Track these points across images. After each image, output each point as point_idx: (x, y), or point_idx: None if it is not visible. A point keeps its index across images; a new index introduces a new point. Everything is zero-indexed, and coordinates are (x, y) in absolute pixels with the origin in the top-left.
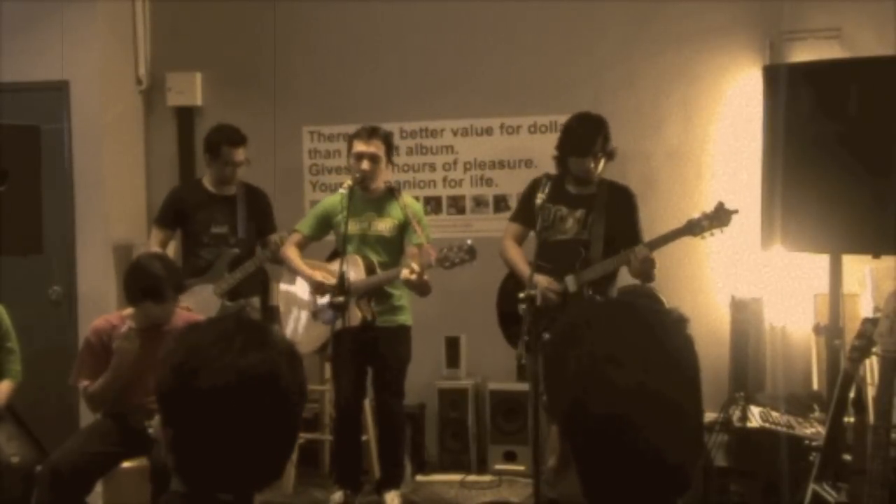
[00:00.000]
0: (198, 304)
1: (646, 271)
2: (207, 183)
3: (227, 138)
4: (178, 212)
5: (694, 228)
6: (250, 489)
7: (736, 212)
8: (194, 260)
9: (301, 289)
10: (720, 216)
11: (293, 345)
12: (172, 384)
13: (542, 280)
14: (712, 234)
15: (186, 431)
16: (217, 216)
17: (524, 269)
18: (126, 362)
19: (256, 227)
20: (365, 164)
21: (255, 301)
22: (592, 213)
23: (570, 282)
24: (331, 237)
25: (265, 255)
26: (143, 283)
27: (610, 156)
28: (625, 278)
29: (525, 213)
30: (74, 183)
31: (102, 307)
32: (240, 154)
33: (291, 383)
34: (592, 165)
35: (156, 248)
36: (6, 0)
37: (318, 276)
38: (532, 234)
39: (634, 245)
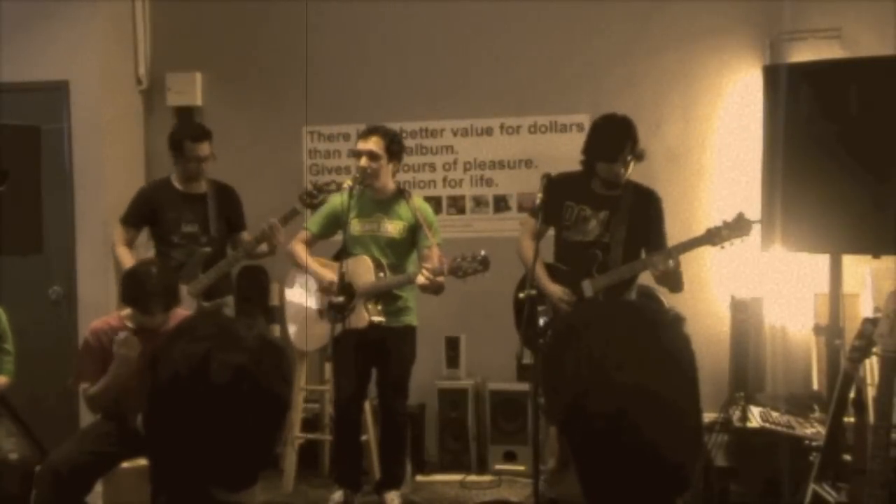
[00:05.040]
0: None
1: (672, 281)
2: (176, 181)
3: (188, 134)
4: (148, 212)
5: (714, 238)
6: (220, 488)
7: (757, 222)
8: (165, 260)
9: (302, 291)
10: (741, 226)
11: (270, 340)
12: (144, 379)
13: (556, 290)
14: (731, 244)
15: (154, 427)
16: (187, 215)
17: (541, 276)
18: (126, 367)
19: (227, 225)
20: (363, 161)
21: (230, 300)
22: (616, 216)
23: (587, 287)
24: (338, 237)
25: (238, 254)
26: (132, 293)
27: (639, 157)
28: (647, 283)
29: (546, 210)
30: (74, 183)
31: (102, 307)
32: (204, 149)
33: (259, 378)
34: (622, 170)
35: (121, 248)
36: (6, 0)
37: (329, 275)
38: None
39: (658, 250)
